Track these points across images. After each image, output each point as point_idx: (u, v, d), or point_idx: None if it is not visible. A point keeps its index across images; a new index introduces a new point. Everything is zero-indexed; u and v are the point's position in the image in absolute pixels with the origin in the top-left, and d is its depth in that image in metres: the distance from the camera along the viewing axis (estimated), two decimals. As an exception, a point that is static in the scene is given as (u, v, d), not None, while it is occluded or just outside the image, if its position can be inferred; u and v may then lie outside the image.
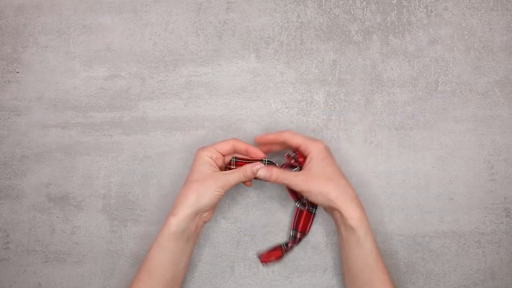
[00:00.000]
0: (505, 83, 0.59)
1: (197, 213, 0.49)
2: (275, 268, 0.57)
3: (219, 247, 0.57)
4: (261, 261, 0.54)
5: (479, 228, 0.56)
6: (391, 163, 0.58)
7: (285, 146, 0.53)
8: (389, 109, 0.59)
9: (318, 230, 0.57)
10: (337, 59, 0.60)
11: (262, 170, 0.50)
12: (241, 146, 0.52)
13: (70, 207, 0.59)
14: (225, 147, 0.51)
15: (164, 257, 0.49)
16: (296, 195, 0.53)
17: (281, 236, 0.57)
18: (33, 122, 0.60)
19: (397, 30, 0.60)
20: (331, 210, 0.50)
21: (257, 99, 0.60)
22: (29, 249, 0.58)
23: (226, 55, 0.61)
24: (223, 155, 0.52)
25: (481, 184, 0.57)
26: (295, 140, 0.50)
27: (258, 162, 0.51)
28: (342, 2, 0.61)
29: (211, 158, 0.50)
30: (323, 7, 0.61)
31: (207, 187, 0.48)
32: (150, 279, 0.48)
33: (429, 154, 0.58)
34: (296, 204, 0.53)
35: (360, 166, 0.58)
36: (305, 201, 0.53)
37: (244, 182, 0.53)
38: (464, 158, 0.57)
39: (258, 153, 0.52)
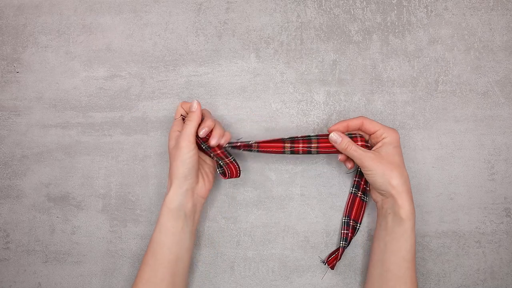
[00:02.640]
0: (505, 83, 0.59)
1: (185, 182, 0.49)
2: (275, 268, 0.57)
3: (219, 247, 0.57)
4: (330, 268, 0.55)
5: (479, 228, 0.56)
6: (391, 163, 0.58)
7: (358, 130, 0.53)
8: (389, 109, 0.59)
9: (318, 230, 0.57)
10: (337, 59, 0.60)
11: (334, 134, 0.51)
12: (186, 107, 0.52)
13: (70, 207, 0.59)
14: (179, 112, 0.53)
15: (165, 237, 0.49)
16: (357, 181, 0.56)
17: (281, 236, 0.57)
18: (33, 122, 0.60)
19: (397, 30, 0.60)
20: (383, 196, 0.50)
21: (257, 99, 0.60)
22: (29, 249, 0.58)
23: (226, 55, 0.61)
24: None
25: (481, 184, 0.57)
26: (373, 125, 0.51)
27: (194, 101, 0.50)
28: (342, 2, 0.61)
29: (178, 131, 0.52)
30: (323, 7, 0.61)
31: (177, 155, 0.49)
32: (154, 260, 0.49)
33: (429, 154, 0.58)
34: (351, 190, 0.56)
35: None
36: (361, 187, 0.55)
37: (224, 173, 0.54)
38: (464, 158, 0.57)
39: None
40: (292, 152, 0.52)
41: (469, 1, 0.60)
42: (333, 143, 0.51)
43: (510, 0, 0.60)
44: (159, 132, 0.59)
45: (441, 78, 0.59)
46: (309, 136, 0.52)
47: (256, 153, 0.58)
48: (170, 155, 0.51)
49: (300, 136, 0.52)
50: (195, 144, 0.49)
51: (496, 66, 0.59)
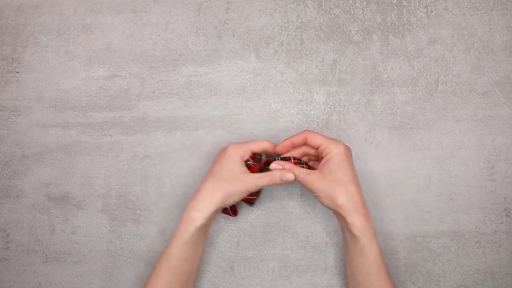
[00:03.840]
0: (505, 83, 0.59)
1: (220, 209, 0.50)
2: (275, 268, 0.57)
3: (219, 247, 0.57)
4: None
5: (479, 228, 0.56)
6: (391, 163, 0.58)
7: (308, 146, 0.52)
8: (389, 109, 0.59)
9: (318, 230, 0.57)
10: (337, 59, 0.60)
11: (275, 164, 0.50)
12: (271, 148, 0.52)
13: (70, 207, 0.59)
14: (257, 148, 0.51)
15: (187, 252, 0.48)
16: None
17: (281, 236, 0.57)
18: (33, 122, 0.60)
19: (397, 30, 0.60)
20: (337, 214, 0.50)
21: (257, 99, 0.60)
22: (29, 249, 0.58)
23: (226, 55, 0.61)
24: (254, 155, 0.52)
25: (481, 184, 0.57)
26: (315, 140, 0.50)
27: (288, 171, 0.50)
28: (342, 2, 0.61)
29: (242, 157, 0.50)
30: (323, 7, 0.61)
31: (236, 189, 0.48)
32: (170, 273, 0.48)
33: (429, 154, 0.58)
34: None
35: (360, 166, 0.57)
36: None
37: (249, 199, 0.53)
38: (464, 158, 0.57)
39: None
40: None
41: (469, 1, 0.60)
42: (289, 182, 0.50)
43: (510, 0, 0.60)
44: (159, 132, 0.59)
45: (441, 78, 0.59)
46: (300, 160, 0.52)
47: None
48: (226, 174, 0.49)
49: (291, 157, 0.52)
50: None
51: (496, 66, 0.59)
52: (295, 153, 0.52)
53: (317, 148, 0.50)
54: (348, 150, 0.50)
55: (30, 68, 0.61)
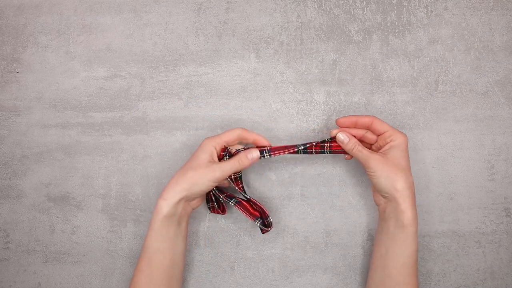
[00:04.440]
0: (505, 83, 0.59)
1: (186, 199, 0.49)
2: (275, 268, 0.57)
3: (219, 247, 0.57)
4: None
5: (479, 228, 0.56)
6: (391, 163, 0.58)
7: (367, 129, 0.52)
8: (389, 109, 0.59)
9: (318, 230, 0.57)
10: (337, 59, 0.60)
11: (342, 134, 0.50)
12: (248, 136, 0.52)
13: (70, 207, 0.59)
14: (231, 136, 0.51)
15: (160, 243, 0.49)
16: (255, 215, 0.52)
17: (281, 236, 0.57)
18: (33, 122, 0.60)
19: (397, 30, 0.60)
20: (386, 199, 0.49)
21: (257, 99, 0.60)
22: (29, 249, 0.58)
23: (226, 55, 0.61)
24: (228, 145, 0.52)
25: (481, 184, 0.57)
26: (382, 126, 0.50)
27: (253, 149, 0.51)
28: (342, 2, 0.61)
29: (215, 148, 0.50)
30: (323, 7, 0.61)
31: (202, 177, 0.48)
32: (149, 267, 0.48)
33: (429, 154, 0.58)
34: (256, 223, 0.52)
35: (360, 166, 0.57)
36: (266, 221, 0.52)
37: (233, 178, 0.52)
38: (464, 158, 0.57)
39: (265, 142, 0.52)
40: (305, 152, 0.52)
41: (469, 1, 0.60)
42: (339, 143, 0.51)
43: (510, 0, 0.60)
44: (159, 132, 0.59)
45: (441, 78, 0.59)
46: (324, 140, 0.52)
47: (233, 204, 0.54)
48: (193, 164, 0.49)
49: (314, 142, 0.52)
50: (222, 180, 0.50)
51: (496, 66, 0.59)
52: (355, 132, 0.52)
53: (381, 134, 0.51)
54: (408, 143, 0.51)
55: (30, 68, 0.61)
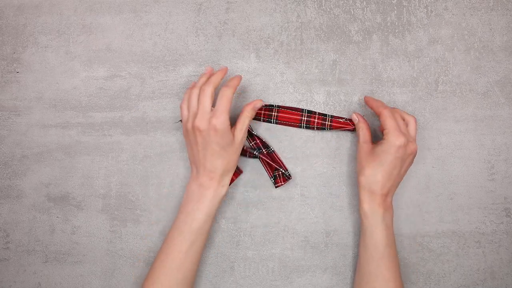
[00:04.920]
0: (505, 83, 0.59)
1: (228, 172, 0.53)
2: (275, 268, 0.57)
3: (219, 247, 0.57)
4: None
5: (479, 228, 0.56)
6: (391, 163, 0.58)
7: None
8: (389, 109, 0.59)
9: (318, 230, 0.57)
10: (337, 59, 0.60)
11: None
12: (236, 82, 0.53)
13: (70, 207, 0.59)
14: (226, 101, 0.52)
15: (210, 222, 0.52)
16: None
17: (281, 236, 0.57)
18: (33, 122, 0.60)
19: (397, 30, 0.60)
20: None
21: (257, 99, 0.59)
22: (29, 249, 0.58)
23: (226, 55, 0.61)
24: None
25: (481, 184, 0.57)
26: (385, 123, 0.51)
27: (258, 101, 0.54)
28: (342, 2, 0.61)
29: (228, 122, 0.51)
30: (323, 7, 0.61)
31: (234, 145, 0.51)
32: (186, 227, 0.51)
33: (429, 154, 0.58)
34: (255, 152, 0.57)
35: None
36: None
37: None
38: (464, 158, 0.57)
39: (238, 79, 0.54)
40: (308, 127, 0.58)
41: (469, 1, 0.60)
42: (353, 119, 0.55)
43: (510, 0, 0.60)
44: (159, 132, 0.59)
45: (441, 78, 0.59)
46: (325, 114, 0.58)
47: (258, 157, 0.58)
48: (233, 149, 0.52)
49: (317, 111, 0.58)
50: None
51: (496, 66, 0.59)
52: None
53: (383, 129, 0.52)
54: (404, 149, 0.50)
55: (30, 68, 0.61)
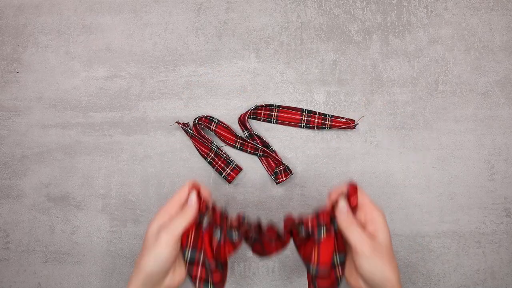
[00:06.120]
0: (505, 83, 0.59)
1: (152, 281, 0.41)
2: (275, 268, 0.57)
3: (219, 247, 0.57)
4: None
5: (479, 228, 0.56)
6: (391, 163, 0.58)
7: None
8: (389, 109, 0.59)
9: (318, 230, 0.57)
10: (337, 59, 0.60)
11: (343, 202, 0.42)
12: (195, 186, 0.44)
13: (70, 207, 0.59)
14: (181, 195, 0.43)
15: None
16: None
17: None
18: (33, 122, 0.60)
19: (397, 30, 0.60)
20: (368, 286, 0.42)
21: (257, 99, 0.60)
22: (29, 249, 0.58)
23: (226, 55, 0.61)
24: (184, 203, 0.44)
25: (481, 184, 0.57)
26: (362, 198, 0.44)
27: (192, 194, 0.43)
28: (342, 2, 0.61)
29: (170, 214, 0.43)
30: (323, 7, 0.61)
31: (153, 247, 0.41)
32: None
33: (429, 154, 0.58)
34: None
35: (360, 166, 0.58)
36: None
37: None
38: (464, 158, 0.57)
39: (208, 192, 0.45)
40: (308, 127, 0.57)
41: (469, 1, 0.60)
42: (338, 212, 0.42)
43: (510, 0, 0.60)
44: (159, 132, 0.59)
45: (441, 78, 0.59)
46: (325, 114, 0.58)
47: (258, 156, 0.58)
48: (145, 241, 0.42)
49: (317, 111, 0.58)
50: (178, 244, 0.41)
51: (496, 66, 0.59)
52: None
53: (357, 207, 0.44)
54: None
55: (30, 68, 0.61)
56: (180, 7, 0.62)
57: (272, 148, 0.58)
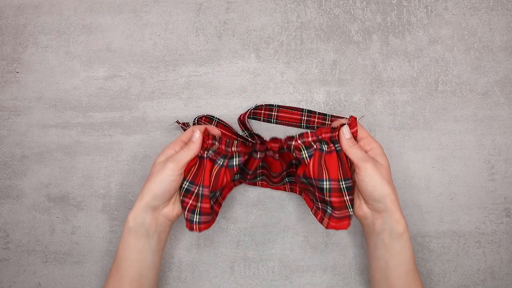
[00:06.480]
0: (505, 83, 0.59)
1: (154, 204, 0.47)
2: (275, 268, 0.57)
3: (219, 247, 0.57)
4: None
5: (479, 228, 0.56)
6: (391, 163, 0.58)
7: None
8: (389, 109, 0.59)
9: (318, 230, 0.57)
10: (337, 59, 0.60)
11: (346, 127, 0.47)
12: (201, 129, 0.49)
13: (70, 207, 0.59)
14: (187, 135, 0.49)
15: (126, 253, 0.47)
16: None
17: (281, 236, 0.57)
18: (33, 122, 0.60)
19: (397, 30, 0.60)
20: (374, 212, 0.47)
21: (257, 99, 0.60)
22: (29, 249, 0.58)
23: (226, 55, 0.61)
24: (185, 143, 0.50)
25: (481, 184, 0.57)
26: (361, 132, 0.48)
27: (196, 131, 0.48)
28: (342, 2, 0.61)
29: (174, 150, 0.49)
30: (323, 7, 0.61)
31: (159, 173, 0.46)
32: (118, 275, 0.47)
33: (429, 154, 0.58)
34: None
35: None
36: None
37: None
38: (464, 158, 0.57)
39: (215, 130, 0.51)
40: (308, 126, 0.57)
41: (469, 1, 0.60)
42: (341, 136, 0.47)
43: (510, 0, 0.60)
44: (159, 132, 0.59)
45: (441, 78, 0.59)
46: (325, 114, 0.58)
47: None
48: (152, 169, 0.48)
49: (317, 111, 0.58)
50: (181, 173, 0.47)
51: (496, 66, 0.59)
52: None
53: (358, 139, 0.49)
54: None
55: (30, 68, 0.61)
56: (180, 7, 0.62)
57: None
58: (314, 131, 0.47)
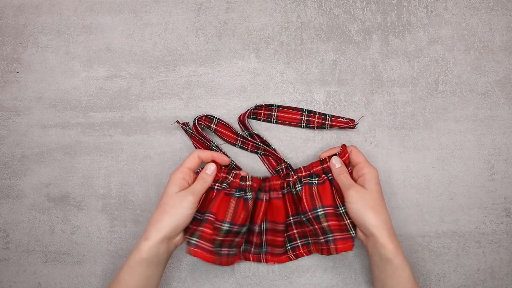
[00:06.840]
0: (505, 83, 0.59)
1: (170, 236, 0.48)
2: (275, 268, 0.57)
3: (219, 247, 0.57)
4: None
5: (479, 228, 0.56)
6: (391, 163, 0.58)
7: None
8: (389, 109, 0.59)
9: (318, 230, 0.57)
10: (337, 59, 0.60)
11: (336, 158, 0.51)
12: (206, 155, 0.52)
13: (70, 207, 0.59)
14: (193, 161, 0.51)
15: (133, 280, 0.47)
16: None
17: (281, 236, 0.57)
18: (33, 122, 0.60)
19: (397, 30, 0.60)
20: (365, 236, 0.49)
21: (257, 99, 0.60)
22: (29, 249, 0.58)
23: (226, 55, 0.61)
24: (193, 170, 0.52)
25: (481, 184, 0.57)
26: (358, 157, 0.51)
27: (209, 164, 0.53)
28: (342, 2, 0.61)
29: (183, 178, 0.50)
30: (323, 7, 0.61)
31: (178, 206, 0.48)
32: None
33: (429, 154, 0.58)
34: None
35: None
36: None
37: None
38: (464, 158, 0.57)
39: (223, 158, 0.54)
40: (308, 126, 0.58)
41: (469, 1, 0.60)
42: (331, 166, 0.52)
43: (510, 0, 0.60)
44: (159, 132, 0.59)
45: (441, 78, 0.59)
46: (325, 114, 0.58)
47: (259, 155, 0.58)
48: (165, 198, 0.49)
49: (317, 111, 0.58)
50: (198, 205, 0.50)
51: (496, 66, 0.59)
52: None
53: (356, 165, 0.52)
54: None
55: (30, 68, 0.61)
56: (180, 7, 0.62)
57: (272, 147, 0.57)
58: (307, 166, 0.53)
